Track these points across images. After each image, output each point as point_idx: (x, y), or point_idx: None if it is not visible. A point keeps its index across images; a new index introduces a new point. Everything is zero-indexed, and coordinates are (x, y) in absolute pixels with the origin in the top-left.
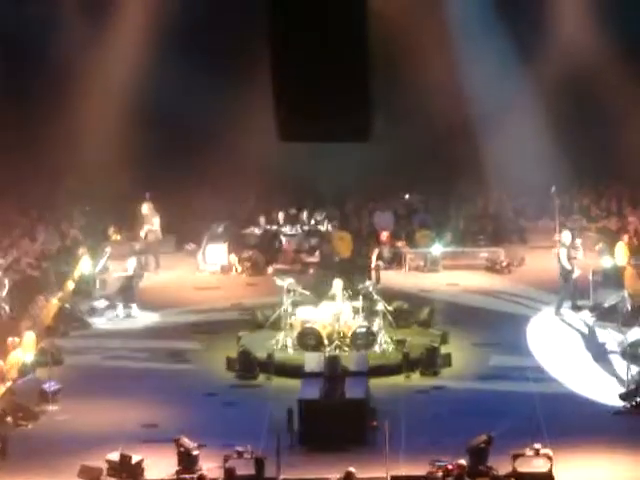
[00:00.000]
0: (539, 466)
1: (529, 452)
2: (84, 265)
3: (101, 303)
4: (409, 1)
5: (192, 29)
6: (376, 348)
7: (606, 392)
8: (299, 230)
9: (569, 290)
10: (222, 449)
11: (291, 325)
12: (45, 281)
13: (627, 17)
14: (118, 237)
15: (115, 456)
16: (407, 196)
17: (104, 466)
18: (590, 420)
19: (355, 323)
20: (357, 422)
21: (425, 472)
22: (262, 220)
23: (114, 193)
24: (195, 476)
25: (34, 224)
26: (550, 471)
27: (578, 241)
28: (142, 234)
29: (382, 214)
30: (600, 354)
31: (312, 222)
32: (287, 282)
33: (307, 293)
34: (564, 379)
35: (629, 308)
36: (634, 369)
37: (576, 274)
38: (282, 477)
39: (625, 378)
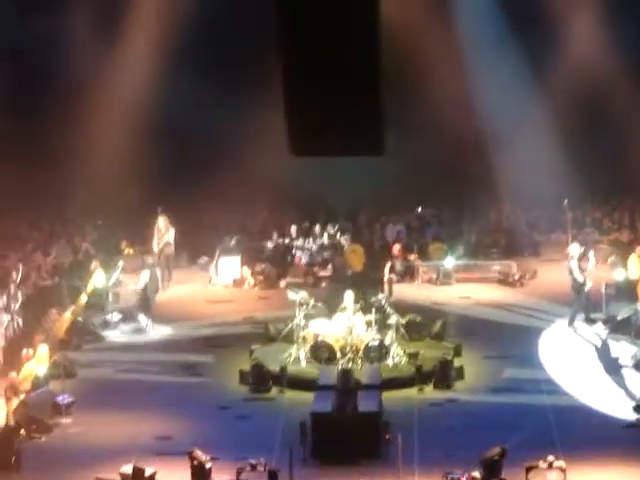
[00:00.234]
0: (552, 478)
1: (542, 464)
2: (97, 279)
3: (114, 316)
4: (421, 17)
5: (204, 43)
6: (389, 361)
7: (619, 405)
8: (312, 243)
9: (582, 303)
10: (235, 462)
11: (304, 338)
12: (58, 295)
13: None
14: (131, 251)
15: (128, 469)
16: (419, 209)
17: (117, 479)
18: (603, 432)
19: (368, 336)
20: (370, 435)
21: None
22: (275, 233)
23: (126, 207)
24: None
25: (47, 238)
26: None
27: (590, 253)
28: (157, 247)
29: (394, 227)
30: (613, 367)
31: (325, 235)
32: (300, 295)
33: (320, 306)
34: (577, 392)
35: None
36: None
37: (588, 286)
38: None
39: (638, 391)
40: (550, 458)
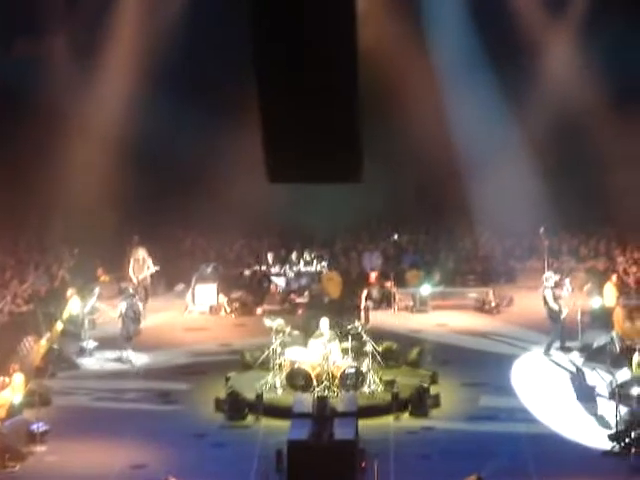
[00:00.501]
0: None
1: None
2: (73, 306)
3: (90, 344)
4: (398, 46)
5: (183, 69)
6: (365, 389)
7: (595, 433)
8: (288, 270)
9: (558, 331)
10: None
11: (280, 366)
12: (34, 322)
13: (616, 64)
14: (107, 278)
15: None
16: (396, 236)
17: None
18: (579, 461)
19: (344, 363)
20: (346, 463)
21: None
22: (251, 260)
23: (102, 233)
24: None
25: (24, 266)
26: None
27: (566, 281)
28: (136, 278)
29: (371, 254)
30: (589, 395)
31: (301, 262)
32: (276, 322)
33: (296, 333)
34: (553, 420)
35: (618, 349)
36: (623, 410)
37: (564, 314)
38: None
39: (614, 419)
40: None
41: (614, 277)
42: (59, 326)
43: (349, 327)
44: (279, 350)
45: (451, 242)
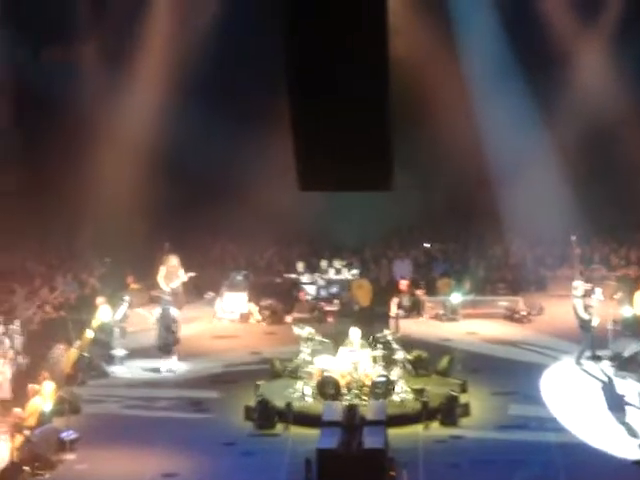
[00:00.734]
0: None
1: None
2: (103, 314)
3: (120, 352)
4: (429, 55)
5: (214, 77)
6: (395, 397)
7: (626, 442)
8: (318, 279)
9: (589, 340)
10: None
11: (309, 374)
12: (64, 330)
13: None
14: (137, 286)
15: None
16: (426, 244)
17: None
18: (610, 471)
19: (374, 372)
20: (375, 472)
21: None
22: (281, 268)
23: (133, 241)
24: None
25: (54, 273)
26: None
27: (598, 290)
28: (167, 287)
29: (401, 262)
30: (620, 404)
31: (331, 270)
32: (306, 331)
33: (326, 341)
34: (584, 429)
35: None
36: None
37: (595, 323)
38: None
39: None
40: None
41: None
42: (89, 334)
43: (379, 335)
44: (309, 358)
45: (481, 250)
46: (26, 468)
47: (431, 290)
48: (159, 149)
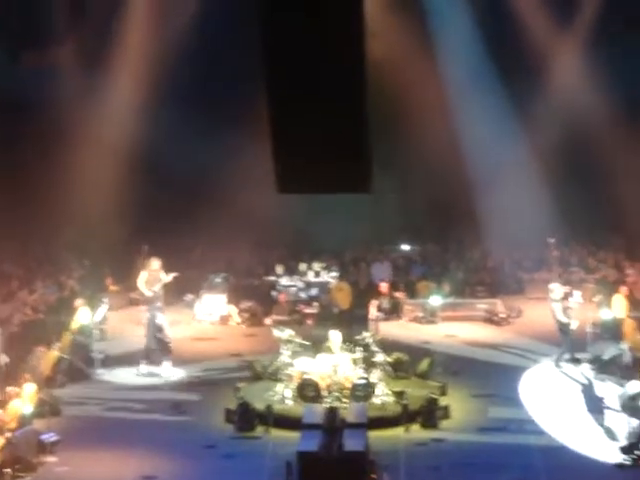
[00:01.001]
0: None
1: None
2: (82, 316)
3: (99, 354)
4: (407, 58)
5: (193, 79)
6: (375, 400)
7: (606, 445)
8: (298, 281)
9: (569, 343)
10: None
11: (290, 376)
12: (43, 332)
13: (624, 75)
14: (116, 288)
15: None
16: (406, 247)
17: None
18: (591, 474)
19: (354, 374)
20: (356, 475)
21: None
22: (260, 271)
23: (111, 243)
24: None
25: (32, 276)
26: None
27: (577, 293)
28: (148, 290)
29: (381, 265)
30: (599, 407)
31: (311, 273)
32: (286, 333)
33: (306, 344)
34: (564, 432)
35: (628, 361)
36: (634, 422)
37: (574, 326)
38: None
39: (625, 431)
40: None
41: (624, 288)
42: (69, 336)
43: (359, 338)
44: (289, 361)
45: (460, 253)
46: (7, 470)
47: (410, 293)
48: (138, 151)
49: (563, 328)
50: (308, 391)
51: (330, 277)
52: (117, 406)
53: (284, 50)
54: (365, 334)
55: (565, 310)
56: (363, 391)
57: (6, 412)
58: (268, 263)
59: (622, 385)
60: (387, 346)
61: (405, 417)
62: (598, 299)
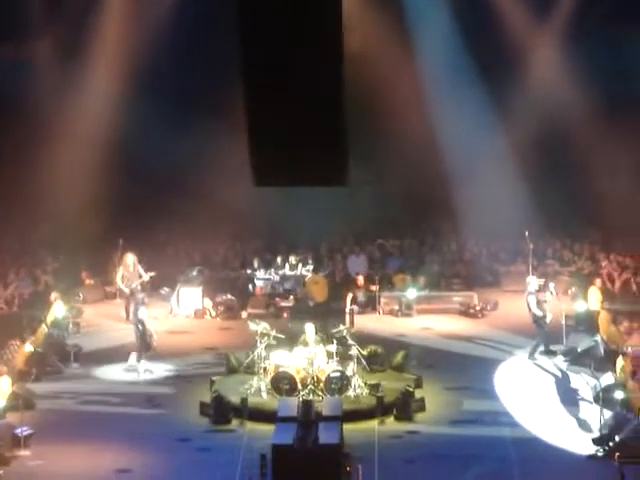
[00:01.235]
0: None
1: None
2: (57, 309)
3: (74, 348)
4: (384, 51)
5: (167, 72)
6: (350, 393)
7: (579, 437)
8: (273, 274)
9: (543, 335)
10: None
11: (265, 369)
12: (18, 325)
13: (602, 70)
14: (91, 282)
15: None
16: (381, 240)
17: None
18: (564, 465)
19: (329, 367)
20: (331, 467)
21: None
22: (236, 264)
23: (86, 237)
24: None
25: (7, 269)
26: None
27: (551, 285)
28: (125, 284)
29: (356, 258)
30: (573, 399)
31: (286, 266)
32: (261, 326)
33: (281, 337)
34: (537, 424)
35: (602, 352)
36: (607, 414)
37: (549, 319)
38: None
39: (598, 423)
40: None
41: (598, 281)
42: (43, 330)
43: (334, 331)
44: (264, 354)
45: (436, 246)
46: None
47: (386, 285)
48: (113, 145)
49: (538, 320)
50: (283, 384)
51: (306, 270)
52: (91, 400)
53: (261, 43)
54: (340, 327)
55: (540, 303)
56: (338, 384)
57: None
58: (244, 256)
59: (596, 377)
60: (362, 339)
61: (380, 410)
62: (573, 291)
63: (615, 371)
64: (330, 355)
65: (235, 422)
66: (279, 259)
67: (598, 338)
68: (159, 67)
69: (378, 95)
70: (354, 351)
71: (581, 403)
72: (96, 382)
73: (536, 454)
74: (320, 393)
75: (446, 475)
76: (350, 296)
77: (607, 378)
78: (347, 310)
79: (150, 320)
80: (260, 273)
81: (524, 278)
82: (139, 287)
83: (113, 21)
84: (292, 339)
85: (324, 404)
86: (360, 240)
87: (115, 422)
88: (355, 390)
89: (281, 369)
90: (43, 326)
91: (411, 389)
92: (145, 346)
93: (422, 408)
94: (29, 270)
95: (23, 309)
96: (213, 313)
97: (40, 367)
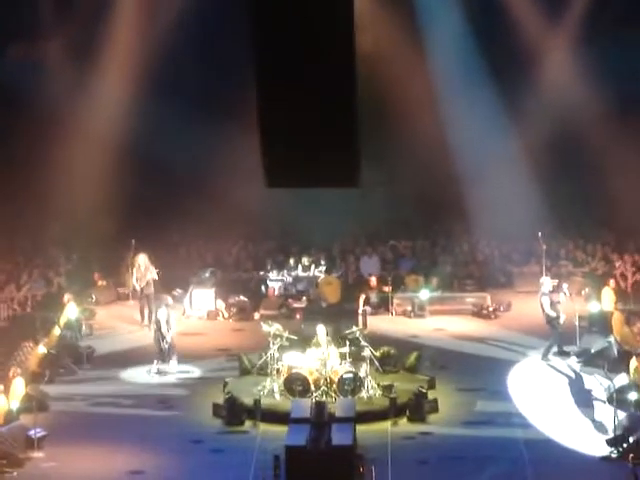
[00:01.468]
0: None
1: None
2: (70, 311)
3: (87, 349)
4: (397, 53)
5: (184, 75)
6: (363, 394)
7: (593, 438)
8: (286, 275)
9: (557, 336)
10: None
11: (278, 371)
12: (31, 327)
13: (614, 71)
14: (103, 283)
15: None
16: (394, 241)
17: None
18: (577, 466)
19: (342, 369)
20: (344, 469)
21: None
22: (249, 266)
23: (99, 238)
24: None
25: (20, 271)
26: None
27: (565, 286)
28: (138, 285)
29: (369, 259)
30: (586, 400)
31: (299, 267)
32: (274, 327)
33: (294, 338)
34: (551, 425)
35: (616, 353)
36: (621, 415)
37: (562, 319)
38: None
39: (612, 424)
40: None
41: (612, 281)
42: (56, 331)
43: (347, 332)
44: (277, 355)
45: (449, 247)
46: None
47: (398, 286)
48: (126, 146)
49: (551, 321)
50: (296, 385)
51: (318, 271)
52: (104, 401)
53: (273, 45)
54: (353, 328)
55: (553, 304)
56: (351, 385)
57: None
58: (257, 257)
59: (609, 378)
60: (375, 340)
61: (393, 411)
62: (586, 292)
63: (629, 372)
64: (343, 356)
65: (248, 423)
66: (292, 260)
67: (612, 339)
68: (172, 68)
69: (390, 96)
70: (367, 352)
71: (595, 404)
72: (109, 384)
73: (549, 455)
74: (333, 394)
75: (459, 476)
76: (363, 297)
77: (621, 379)
78: (360, 311)
79: (169, 322)
80: (273, 274)
81: (537, 279)
82: (152, 287)
83: (125, 22)
84: (305, 340)
85: (337, 405)
86: (372, 241)
87: (128, 424)
88: (368, 391)
89: (294, 370)
90: (56, 328)
91: (424, 390)
92: (158, 350)
93: (435, 409)
94: (42, 272)
95: (36, 311)
96: (226, 314)
97: (53, 369)
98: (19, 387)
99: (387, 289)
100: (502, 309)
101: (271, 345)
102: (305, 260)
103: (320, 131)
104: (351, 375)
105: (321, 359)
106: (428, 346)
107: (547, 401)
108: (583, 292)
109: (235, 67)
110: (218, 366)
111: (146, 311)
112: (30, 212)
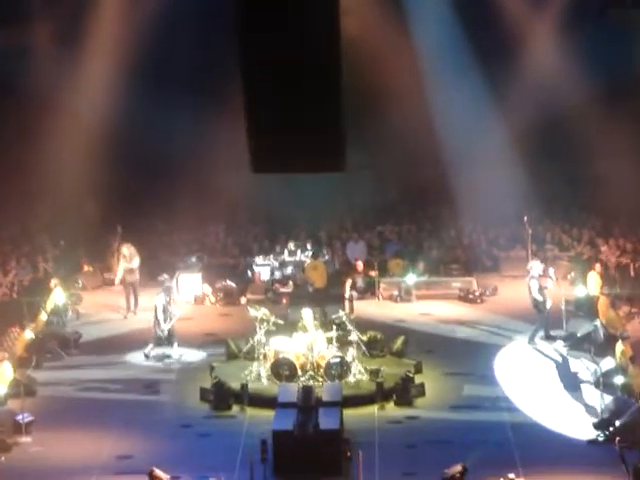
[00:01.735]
0: None
1: None
2: (57, 296)
3: (74, 334)
4: (382, 37)
5: (168, 61)
6: (350, 378)
7: (579, 422)
8: (272, 260)
9: (544, 320)
10: None
11: (265, 355)
12: (18, 312)
13: (599, 57)
14: (90, 268)
15: None
16: (380, 228)
17: None
18: (564, 449)
19: (329, 353)
20: (331, 453)
21: None
22: (235, 251)
23: (85, 223)
24: None
25: (7, 256)
26: None
27: (551, 270)
28: (120, 274)
29: (355, 244)
30: (573, 384)
31: (285, 252)
32: (260, 312)
33: (281, 323)
34: (537, 408)
35: (602, 337)
36: (607, 398)
37: (549, 304)
38: None
39: (598, 407)
40: (511, 476)
41: (598, 266)
42: (43, 316)
43: (333, 316)
44: (264, 340)
45: (435, 231)
46: None
47: (385, 271)
48: (114, 132)
49: (538, 306)
50: (283, 370)
51: (305, 256)
52: (92, 387)
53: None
54: (340, 313)
55: (541, 288)
56: (338, 370)
57: None
58: (243, 242)
59: (596, 362)
60: (362, 325)
61: (380, 395)
62: (572, 277)
63: (615, 356)
64: (330, 341)
65: (235, 408)
66: (278, 245)
67: (598, 323)
68: (158, 54)
69: (376, 80)
70: (354, 337)
71: (581, 388)
72: (96, 369)
73: (536, 439)
74: (320, 379)
75: (446, 460)
76: (349, 282)
77: (607, 363)
78: (346, 296)
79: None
80: (259, 259)
81: (523, 263)
82: (137, 275)
83: (112, 8)
84: (292, 325)
85: (324, 390)
86: (358, 226)
87: (116, 409)
88: (355, 376)
89: (281, 355)
90: (43, 313)
91: (411, 374)
92: (154, 334)
93: (422, 393)
94: (29, 257)
95: (23, 296)
96: (213, 299)
97: (40, 354)
98: (7, 372)
99: (373, 274)
100: (488, 293)
101: (258, 330)
102: (291, 245)
103: (305, 116)
104: (338, 360)
105: (308, 344)
106: (415, 330)
107: (534, 385)
108: (569, 276)
109: (220, 53)
110: (205, 351)
111: (132, 299)
112: (17, 198)
